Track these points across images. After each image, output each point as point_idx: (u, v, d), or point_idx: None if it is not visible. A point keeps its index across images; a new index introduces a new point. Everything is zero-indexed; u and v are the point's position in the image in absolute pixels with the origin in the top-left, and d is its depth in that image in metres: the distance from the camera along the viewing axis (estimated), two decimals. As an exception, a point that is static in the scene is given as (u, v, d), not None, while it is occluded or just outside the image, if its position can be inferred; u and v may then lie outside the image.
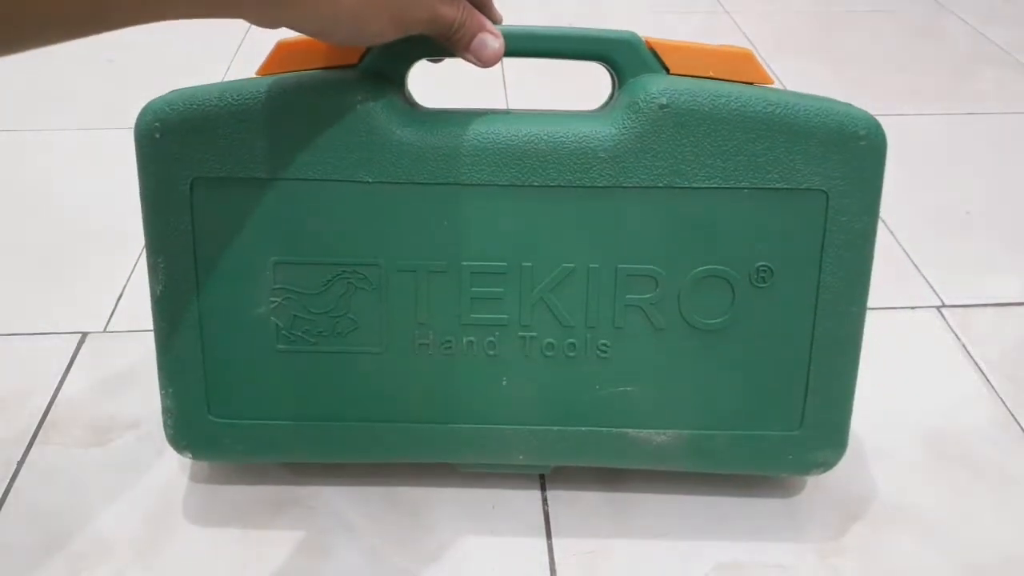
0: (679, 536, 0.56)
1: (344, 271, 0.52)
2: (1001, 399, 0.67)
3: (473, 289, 0.52)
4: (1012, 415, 0.66)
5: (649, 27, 1.14)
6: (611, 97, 0.53)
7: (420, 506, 0.58)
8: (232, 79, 0.52)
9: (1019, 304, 0.77)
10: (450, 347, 0.53)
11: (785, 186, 0.50)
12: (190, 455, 0.57)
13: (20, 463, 0.61)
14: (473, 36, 0.48)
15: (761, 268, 0.52)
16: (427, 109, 0.52)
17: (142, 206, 0.52)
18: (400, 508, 0.58)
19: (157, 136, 0.50)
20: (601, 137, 0.50)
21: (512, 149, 0.50)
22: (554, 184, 0.50)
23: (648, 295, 0.52)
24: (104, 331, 0.74)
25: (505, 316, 0.53)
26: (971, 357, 0.71)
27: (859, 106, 0.51)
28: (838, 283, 0.52)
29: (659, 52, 0.51)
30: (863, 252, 0.52)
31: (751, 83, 0.51)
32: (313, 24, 0.44)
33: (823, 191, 0.50)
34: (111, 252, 0.82)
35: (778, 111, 0.50)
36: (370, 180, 0.51)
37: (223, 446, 0.56)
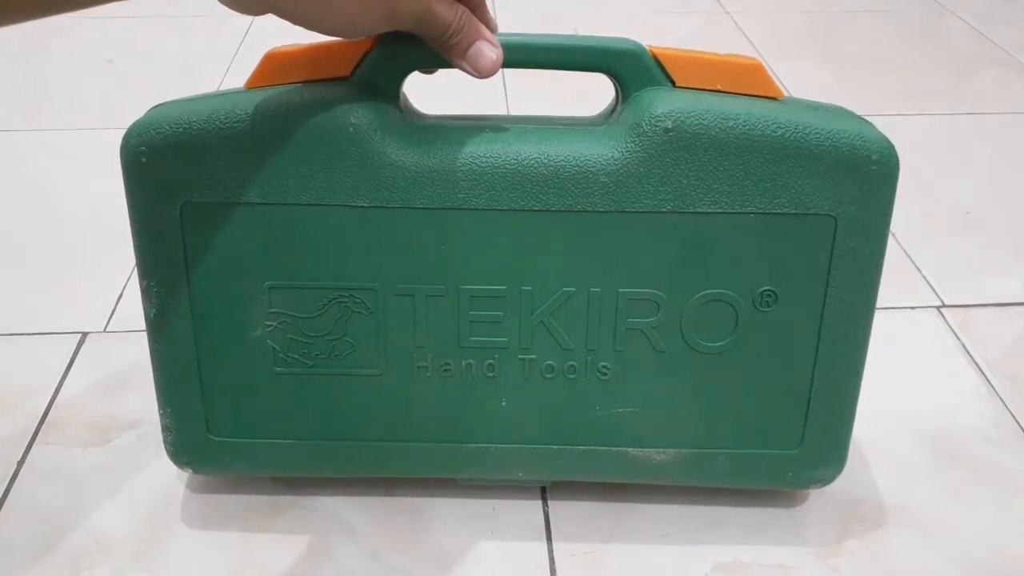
0: (679, 538, 0.56)
1: (340, 295, 0.51)
2: (1001, 399, 0.67)
3: (472, 313, 0.51)
4: (1012, 415, 0.66)
5: (650, 28, 1.15)
6: (614, 108, 0.51)
7: (421, 509, 0.58)
8: (223, 90, 0.51)
9: (1019, 304, 0.77)
10: (449, 369, 0.53)
11: (793, 211, 0.49)
12: (191, 470, 0.57)
13: (20, 463, 0.61)
14: (470, 44, 0.46)
15: (765, 292, 0.51)
16: (423, 122, 0.50)
17: (132, 229, 0.51)
18: (401, 511, 0.58)
19: (143, 160, 0.49)
20: (603, 161, 0.48)
21: (511, 173, 0.48)
22: (554, 209, 0.49)
23: (650, 319, 0.51)
24: (104, 331, 0.74)
25: (504, 339, 0.52)
26: (971, 357, 0.71)
27: (857, 106, 0.51)
28: (843, 307, 0.51)
29: (664, 63, 0.49)
30: (870, 277, 0.51)
31: (760, 96, 0.50)
32: (299, 9, 0.42)
33: (831, 216, 0.49)
34: (111, 252, 0.82)
35: (787, 134, 0.48)
36: (365, 205, 0.49)
37: (223, 463, 0.56)
